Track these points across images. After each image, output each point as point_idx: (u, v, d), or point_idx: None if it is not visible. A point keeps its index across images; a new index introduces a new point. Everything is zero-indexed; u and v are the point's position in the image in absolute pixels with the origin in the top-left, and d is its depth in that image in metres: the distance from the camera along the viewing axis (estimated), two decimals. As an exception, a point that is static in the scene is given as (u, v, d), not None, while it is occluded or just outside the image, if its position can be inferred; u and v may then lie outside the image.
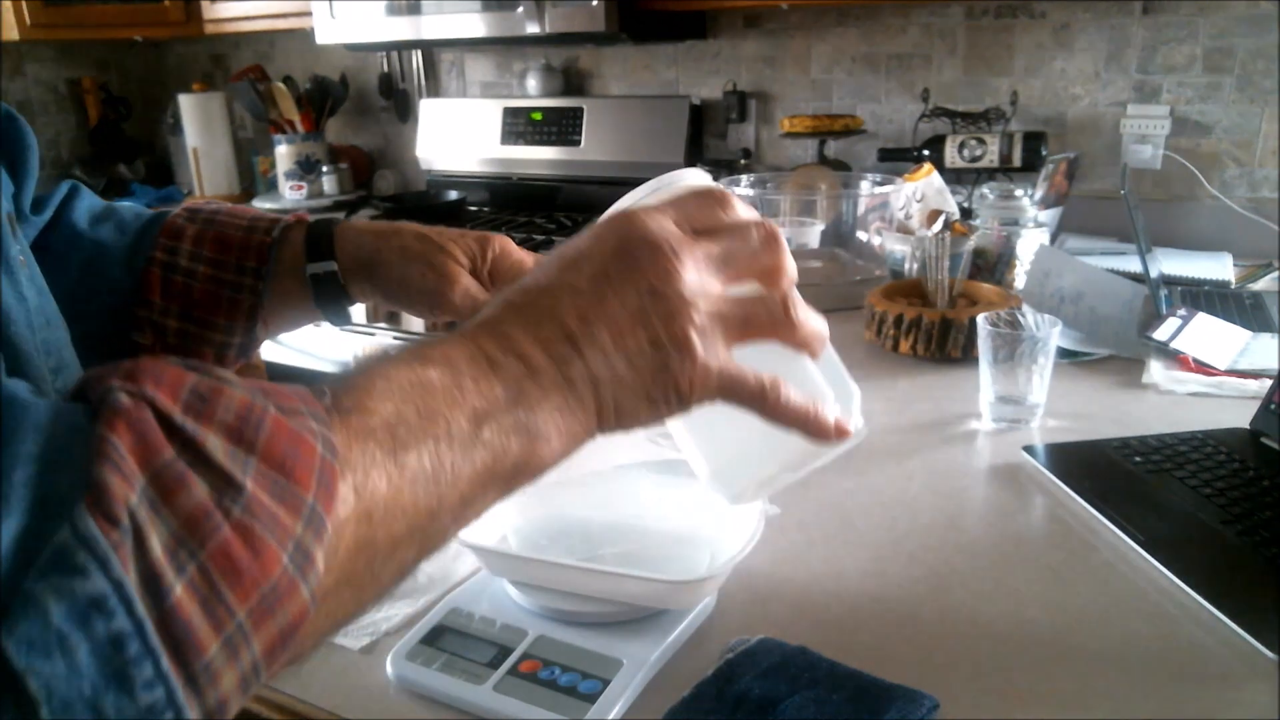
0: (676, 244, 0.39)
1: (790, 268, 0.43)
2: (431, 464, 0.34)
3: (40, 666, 0.23)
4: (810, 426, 0.43)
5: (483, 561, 0.65)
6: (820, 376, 0.46)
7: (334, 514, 0.30)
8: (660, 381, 0.39)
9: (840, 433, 0.44)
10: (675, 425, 0.47)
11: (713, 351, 0.39)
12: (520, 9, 1.79)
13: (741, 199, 0.44)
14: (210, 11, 2.31)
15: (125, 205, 0.70)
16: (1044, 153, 1.61)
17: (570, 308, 0.38)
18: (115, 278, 0.65)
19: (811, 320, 0.43)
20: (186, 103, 2.48)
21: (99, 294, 0.65)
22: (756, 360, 0.42)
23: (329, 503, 0.30)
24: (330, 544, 0.30)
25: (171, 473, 0.27)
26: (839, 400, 0.46)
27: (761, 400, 0.41)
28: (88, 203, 0.67)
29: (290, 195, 2.40)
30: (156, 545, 0.26)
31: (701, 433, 0.47)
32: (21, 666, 0.23)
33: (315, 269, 0.66)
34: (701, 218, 0.42)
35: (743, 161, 2.04)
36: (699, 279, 0.39)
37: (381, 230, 0.68)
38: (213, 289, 0.67)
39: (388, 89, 2.45)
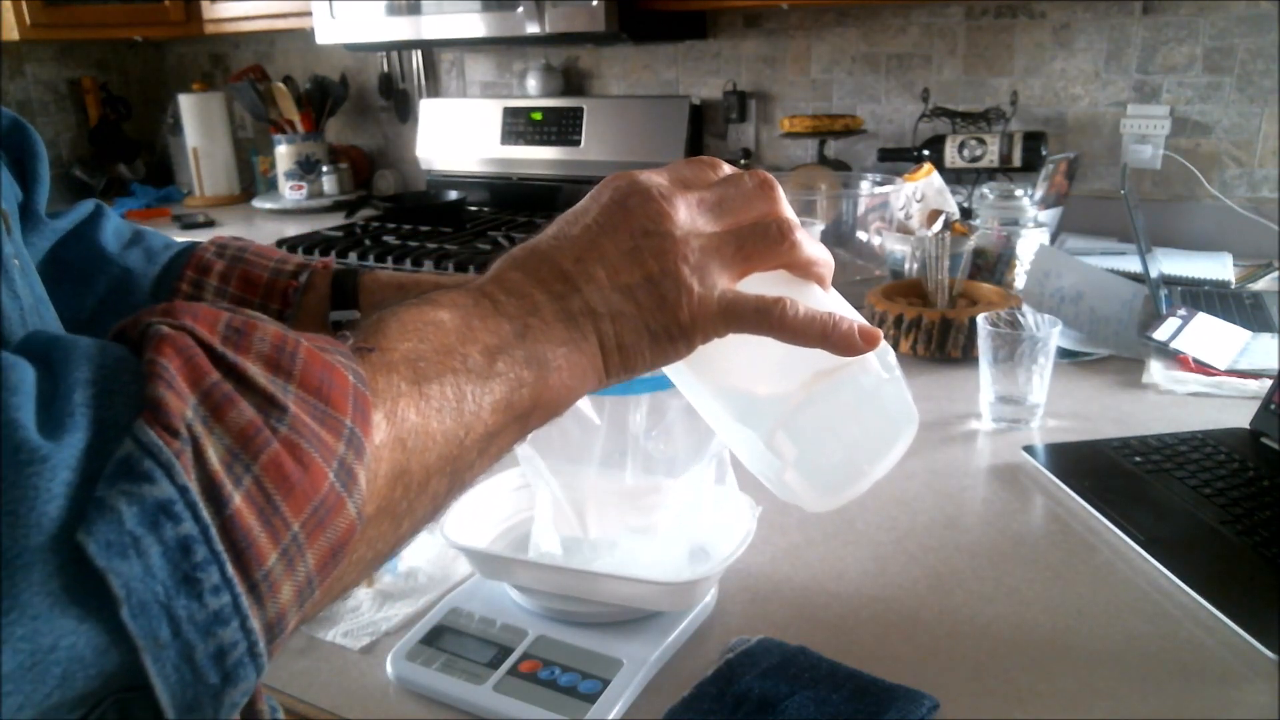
0: (667, 191, 0.41)
1: (787, 210, 0.43)
2: (454, 394, 0.35)
3: (119, 567, 0.25)
4: (831, 335, 0.41)
5: (475, 565, 0.65)
6: (838, 307, 0.44)
7: (371, 439, 0.32)
8: (660, 315, 0.40)
9: (869, 338, 0.42)
10: (689, 383, 0.46)
11: (709, 283, 0.41)
12: (520, 9, 1.79)
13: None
14: (210, 11, 2.31)
15: (151, 231, 0.70)
16: (1044, 153, 1.61)
17: (566, 253, 0.41)
18: (140, 305, 0.65)
19: (813, 244, 0.44)
20: (186, 103, 2.48)
21: (122, 319, 0.65)
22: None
23: (366, 427, 0.31)
24: (370, 468, 0.31)
25: (220, 392, 0.28)
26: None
27: (767, 316, 0.41)
28: (114, 224, 0.67)
29: (290, 195, 2.40)
30: (214, 457, 0.27)
31: (716, 378, 0.45)
32: (103, 565, 0.25)
33: (338, 317, 0.67)
34: (693, 176, 0.43)
35: (743, 162, 2.04)
36: (691, 219, 0.41)
37: (403, 282, 0.70)
38: None
39: (388, 89, 2.45)
